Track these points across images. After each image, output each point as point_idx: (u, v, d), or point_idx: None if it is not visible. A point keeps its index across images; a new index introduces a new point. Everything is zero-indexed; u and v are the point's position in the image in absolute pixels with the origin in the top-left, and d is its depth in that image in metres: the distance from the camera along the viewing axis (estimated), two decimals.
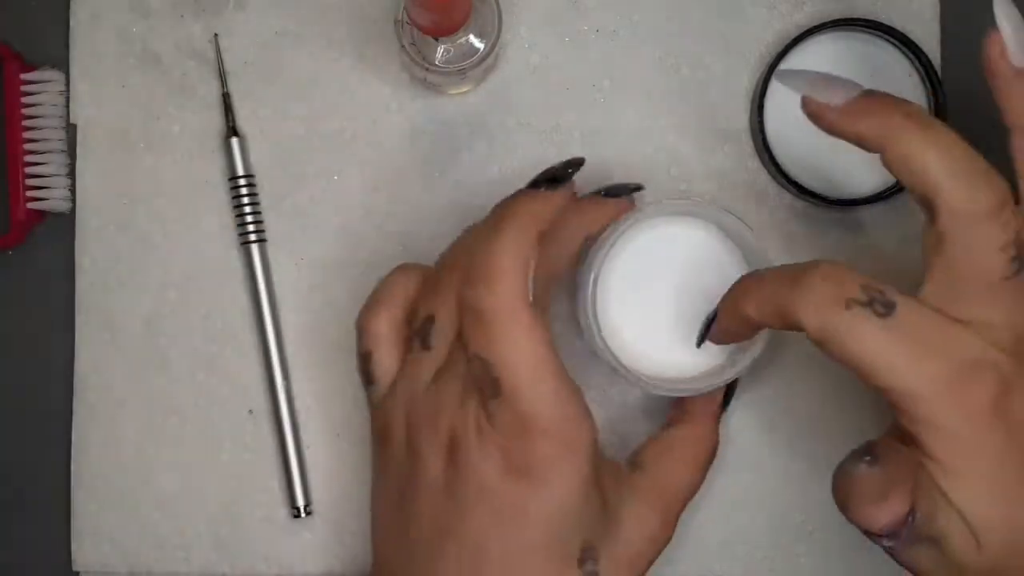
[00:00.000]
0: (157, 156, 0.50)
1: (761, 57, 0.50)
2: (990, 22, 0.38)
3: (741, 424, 0.49)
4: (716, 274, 0.43)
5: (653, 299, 0.44)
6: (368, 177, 0.50)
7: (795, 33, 0.48)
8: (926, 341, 0.34)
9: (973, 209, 0.34)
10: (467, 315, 0.37)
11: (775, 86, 0.47)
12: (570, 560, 0.38)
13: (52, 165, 0.49)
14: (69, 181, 0.50)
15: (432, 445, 0.38)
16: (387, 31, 0.49)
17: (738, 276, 0.39)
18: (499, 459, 0.37)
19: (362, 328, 0.42)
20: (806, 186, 0.48)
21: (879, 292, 0.34)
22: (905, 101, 0.36)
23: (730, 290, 0.39)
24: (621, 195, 0.44)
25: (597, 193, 0.45)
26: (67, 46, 0.50)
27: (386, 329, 0.41)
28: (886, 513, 0.34)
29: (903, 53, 0.48)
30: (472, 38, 0.45)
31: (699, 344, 0.42)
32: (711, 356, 0.44)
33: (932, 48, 0.49)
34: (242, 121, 0.50)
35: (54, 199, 0.49)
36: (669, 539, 0.42)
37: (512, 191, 0.41)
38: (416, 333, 0.40)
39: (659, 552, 0.41)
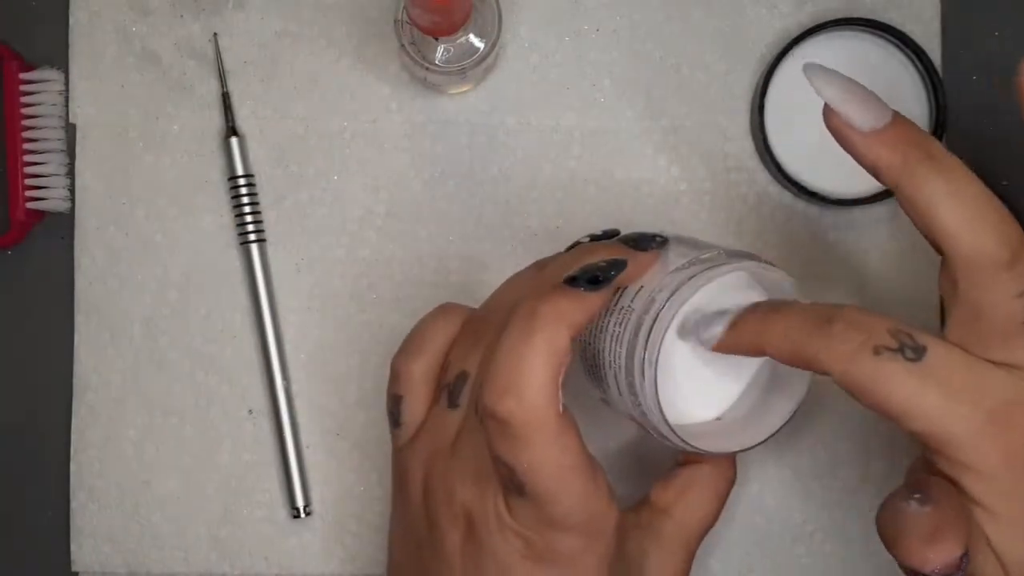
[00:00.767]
0: (156, 156, 0.50)
1: (761, 57, 0.50)
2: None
3: None
4: None
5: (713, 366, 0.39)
6: (368, 177, 0.50)
7: (796, 33, 0.48)
8: (959, 384, 0.33)
9: (984, 261, 0.33)
10: (491, 422, 0.35)
11: (775, 86, 0.47)
12: None
13: (51, 165, 0.49)
14: (68, 181, 0.50)
15: (448, 516, 0.37)
16: (387, 31, 0.49)
17: None
18: (521, 547, 0.36)
19: (396, 371, 0.40)
20: (806, 186, 0.48)
21: (908, 336, 0.33)
22: (928, 137, 0.35)
23: (748, 317, 0.37)
24: (647, 248, 0.38)
25: (624, 241, 0.39)
26: (67, 46, 0.50)
27: (420, 375, 0.39)
28: (940, 555, 0.33)
29: (903, 53, 0.48)
30: (472, 38, 0.45)
31: None
32: (741, 388, 0.40)
33: (932, 48, 0.49)
34: (242, 121, 0.50)
35: (53, 199, 0.49)
36: (688, 571, 0.41)
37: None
38: (446, 387, 0.38)
39: None
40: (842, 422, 0.49)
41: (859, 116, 0.35)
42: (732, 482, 0.43)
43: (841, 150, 0.37)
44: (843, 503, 0.49)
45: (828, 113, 0.35)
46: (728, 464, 0.42)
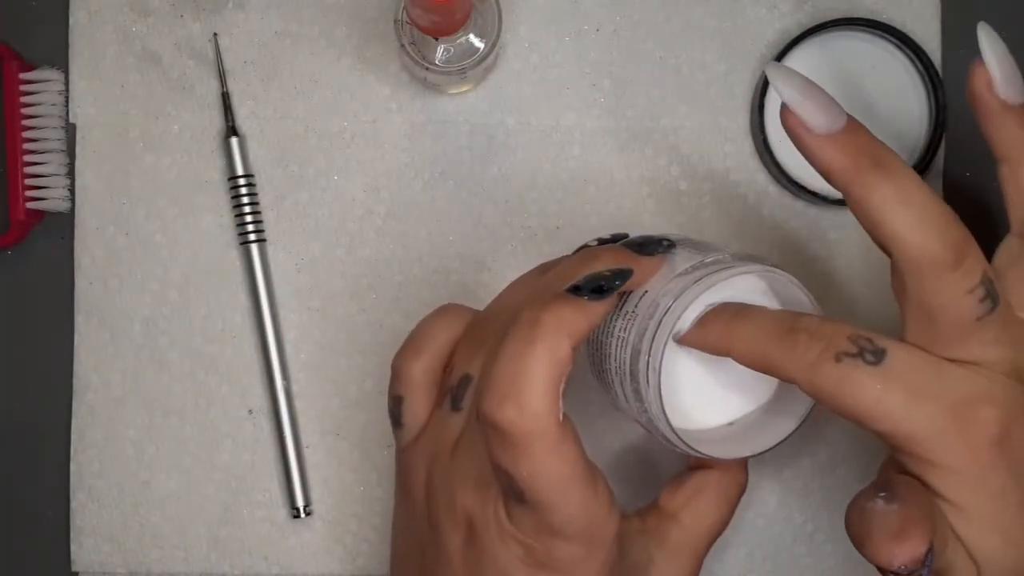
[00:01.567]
0: (156, 155, 0.50)
1: (761, 57, 0.50)
2: (991, 23, 0.38)
3: None
4: None
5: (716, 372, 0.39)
6: (368, 177, 0.50)
7: (796, 33, 0.48)
8: (920, 383, 0.34)
9: (930, 264, 0.34)
10: (491, 430, 0.34)
11: None
12: None
13: (51, 165, 0.49)
14: (68, 181, 0.50)
15: (449, 520, 0.37)
16: (387, 31, 0.49)
17: None
18: (521, 553, 0.36)
19: (397, 371, 0.39)
20: (806, 186, 0.48)
21: (868, 341, 0.34)
22: (879, 144, 0.35)
23: (715, 318, 0.37)
24: (653, 253, 0.38)
25: (630, 245, 0.39)
26: (67, 46, 0.50)
27: (421, 375, 0.39)
28: (905, 551, 0.33)
29: (903, 53, 0.48)
30: (472, 38, 0.45)
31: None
32: (754, 399, 0.40)
33: (932, 48, 0.49)
34: (242, 121, 0.50)
35: (53, 199, 0.49)
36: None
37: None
38: (449, 390, 0.38)
39: None
40: (842, 421, 0.49)
41: (814, 118, 0.35)
42: (743, 488, 0.42)
43: None
44: (843, 503, 0.49)
45: (785, 112, 0.35)
46: (739, 469, 0.42)
